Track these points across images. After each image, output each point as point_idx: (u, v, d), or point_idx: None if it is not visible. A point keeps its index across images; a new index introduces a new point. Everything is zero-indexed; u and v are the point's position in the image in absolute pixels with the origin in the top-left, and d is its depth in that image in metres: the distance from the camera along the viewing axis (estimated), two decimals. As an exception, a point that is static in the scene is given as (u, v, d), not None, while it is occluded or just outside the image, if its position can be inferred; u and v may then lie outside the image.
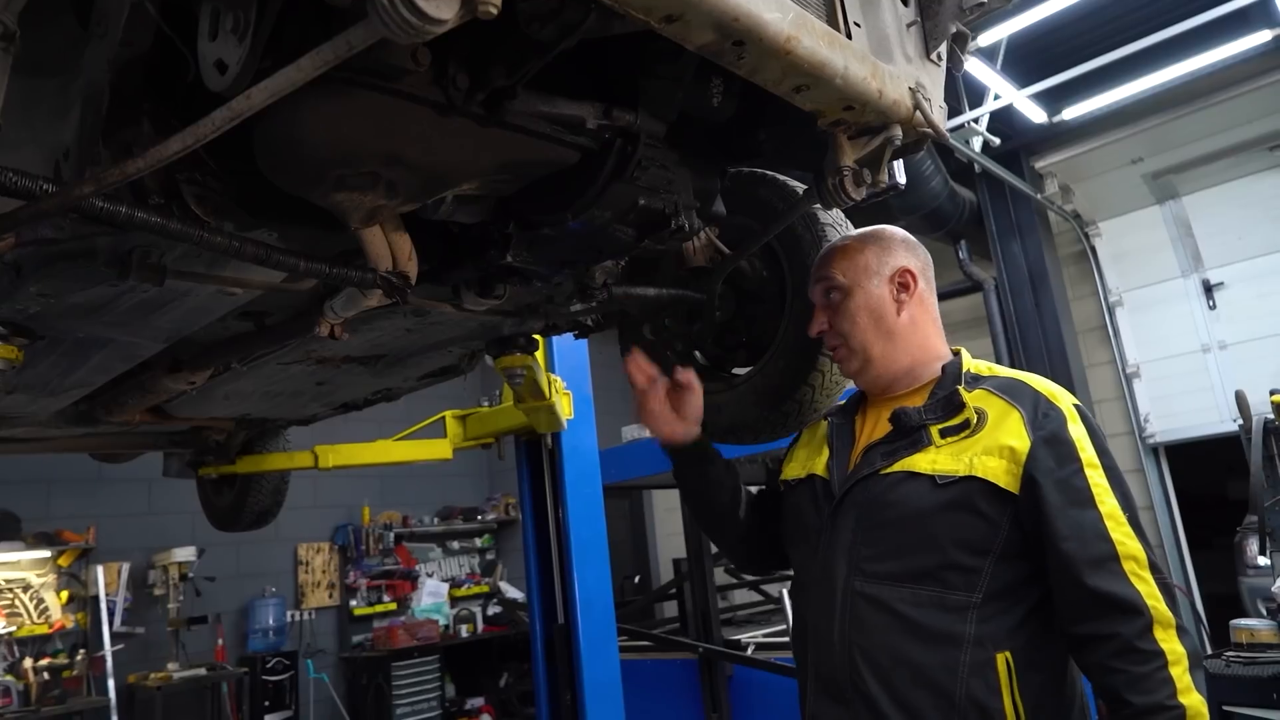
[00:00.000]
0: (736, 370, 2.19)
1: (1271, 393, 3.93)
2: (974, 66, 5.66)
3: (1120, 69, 5.88)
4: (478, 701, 8.61)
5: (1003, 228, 7.11)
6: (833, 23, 1.36)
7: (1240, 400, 3.91)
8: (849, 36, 1.37)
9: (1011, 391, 1.49)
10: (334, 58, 0.94)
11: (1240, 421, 3.90)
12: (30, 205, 1.08)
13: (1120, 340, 7.29)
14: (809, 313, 1.96)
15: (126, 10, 1.13)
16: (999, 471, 1.40)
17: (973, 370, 1.58)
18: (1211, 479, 7.13)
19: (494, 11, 0.88)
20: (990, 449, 1.42)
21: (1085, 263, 7.53)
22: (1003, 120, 6.67)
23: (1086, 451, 1.41)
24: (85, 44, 1.27)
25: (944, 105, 1.57)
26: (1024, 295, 6.97)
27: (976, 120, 6.13)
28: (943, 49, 1.58)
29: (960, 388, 1.52)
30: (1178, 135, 6.69)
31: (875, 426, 1.63)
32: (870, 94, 1.36)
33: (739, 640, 5.15)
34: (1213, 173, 6.90)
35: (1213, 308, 6.86)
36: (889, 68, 1.42)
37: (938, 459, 1.46)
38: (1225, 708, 2.27)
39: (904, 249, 1.69)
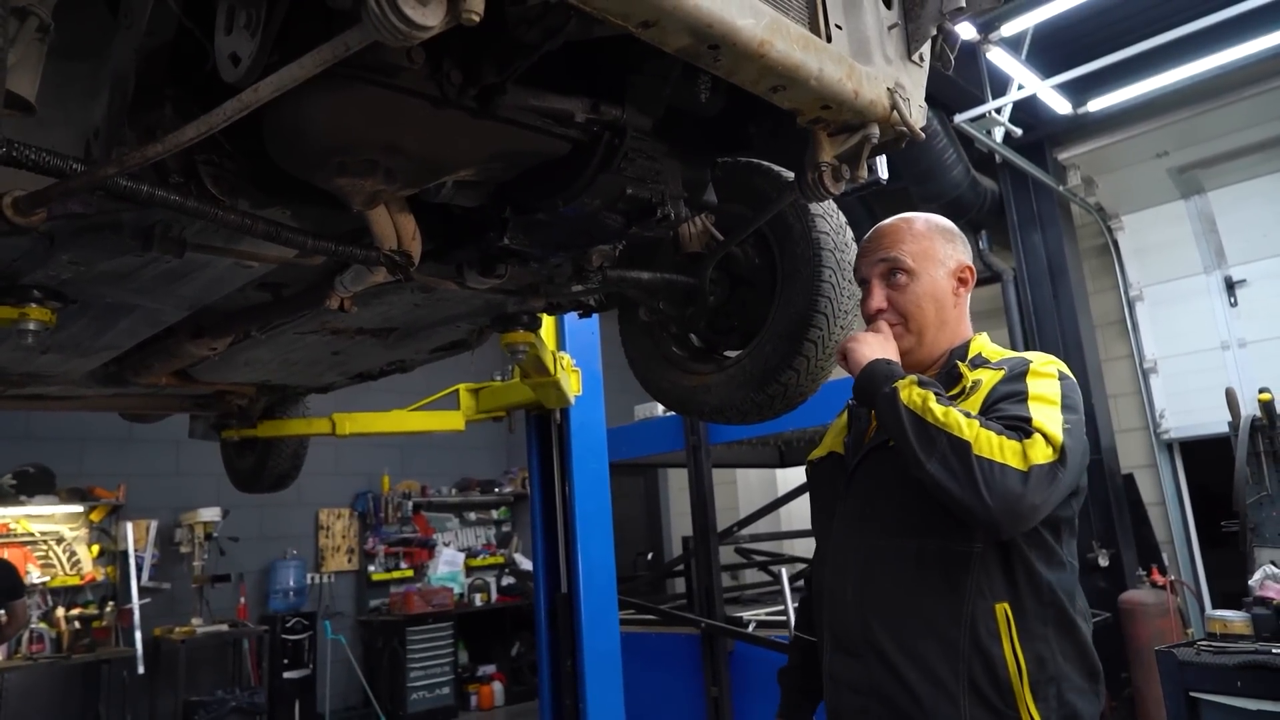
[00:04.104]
0: (729, 353, 2.28)
1: (1260, 391, 3.95)
2: (998, 56, 5.63)
3: (1148, 61, 5.81)
4: (490, 669, 8.81)
5: (1024, 219, 7.06)
6: (814, 26, 1.43)
7: (1230, 398, 3.94)
8: (829, 39, 1.43)
9: (1005, 363, 1.59)
10: (333, 57, 1.04)
11: (1230, 420, 3.92)
12: (61, 183, 1.20)
13: (1139, 335, 7.24)
14: (797, 298, 2.04)
15: (151, 3, 1.24)
16: None
17: (983, 353, 1.65)
18: (1226, 477, 7.09)
19: (476, 19, 0.97)
20: (972, 407, 1.50)
21: (1106, 256, 7.47)
22: (1027, 110, 6.61)
23: (1037, 389, 1.46)
24: (114, 32, 1.37)
25: (924, 105, 1.64)
26: (1043, 287, 6.92)
27: (999, 110, 6.09)
28: (925, 49, 1.64)
29: (962, 364, 1.61)
30: (1205, 130, 6.60)
31: None
32: (846, 94, 1.43)
33: (741, 618, 5.26)
34: (1240, 168, 6.81)
35: (1234, 305, 6.80)
36: (866, 69, 1.48)
37: None
38: (1192, 694, 2.34)
39: (962, 244, 1.76)
